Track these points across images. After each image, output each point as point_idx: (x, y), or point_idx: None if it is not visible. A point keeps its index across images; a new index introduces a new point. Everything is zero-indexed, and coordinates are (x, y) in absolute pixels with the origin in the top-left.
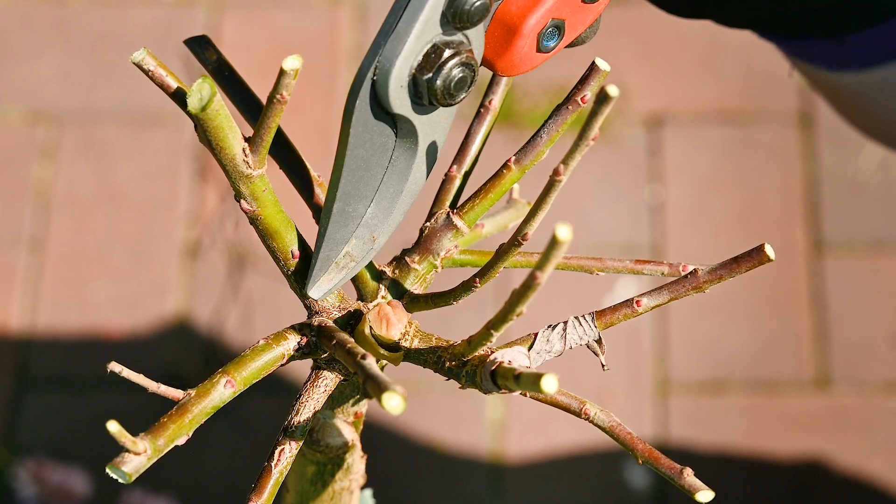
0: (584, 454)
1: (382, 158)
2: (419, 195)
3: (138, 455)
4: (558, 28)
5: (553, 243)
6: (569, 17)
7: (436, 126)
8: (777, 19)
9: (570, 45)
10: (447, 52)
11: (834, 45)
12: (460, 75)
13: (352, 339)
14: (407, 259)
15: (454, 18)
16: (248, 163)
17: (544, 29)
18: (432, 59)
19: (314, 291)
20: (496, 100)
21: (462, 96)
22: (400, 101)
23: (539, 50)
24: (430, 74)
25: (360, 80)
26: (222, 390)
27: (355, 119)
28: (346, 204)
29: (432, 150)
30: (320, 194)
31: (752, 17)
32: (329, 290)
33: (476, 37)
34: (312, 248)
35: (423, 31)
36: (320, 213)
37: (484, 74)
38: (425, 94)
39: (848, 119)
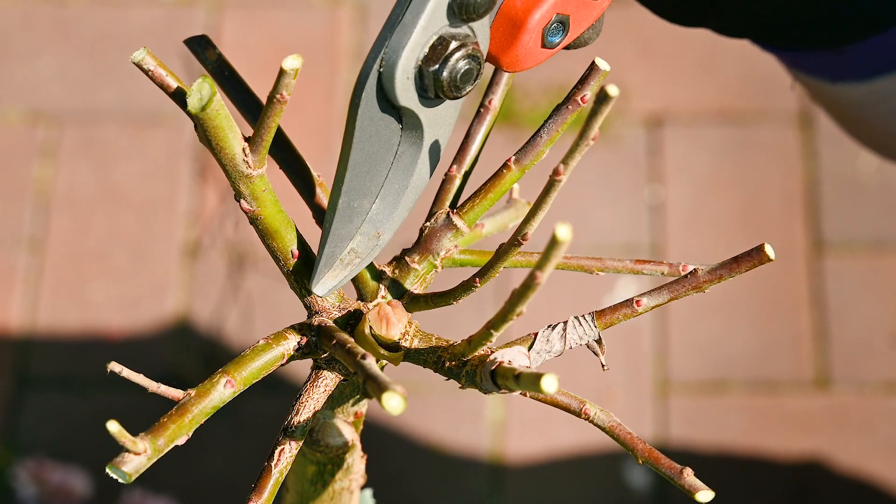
0: (584, 454)
1: (387, 154)
2: (422, 192)
3: (138, 455)
4: (563, 23)
5: (553, 243)
6: (573, 12)
7: (441, 120)
8: (776, 30)
9: (573, 47)
10: (453, 44)
11: (834, 56)
12: (466, 67)
13: (352, 339)
14: (407, 259)
15: (460, 10)
16: (248, 163)
17: (549, 24)
18: (438, 51)
19: (319, 288)
20: (496, 100)
21: (468, 89)
22: (406, 93)
23: (544, 45)
24: (437, 66)
25: (367, 72)
26: (222, 390)
27: (361, 112)
28: (351, 199)
29: (437, 146)
30: (321, 194)
31: (751, 27)
32: (334, 286)
33: (482, 30)
34: (314, 247)
35: (430, 22)
36: (321, 213)
37: (484, 74)
38: (431, 87)
39: (846, 130)
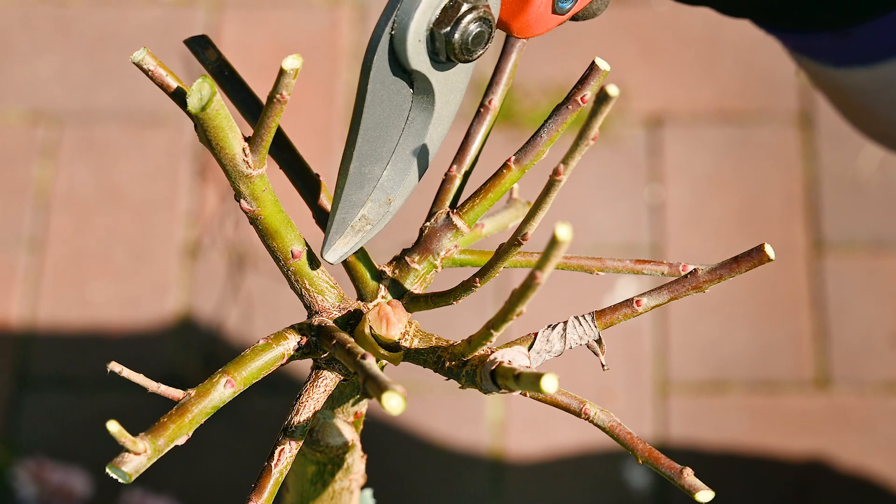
0: (584, 454)
1: (399, 119)
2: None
3: (138, 455)
4: None
5: (553, 243)
6: None
7: (453, 85)
8: (780, 10)
9: (582, 17)
10: (465, 7)
11: (838, 39)
12: (478, 30)
13: (352, 339)
14: (407, 259)
15: None
16: (248, 163)
17: None
18: (450, 14)
19: (330, 255)
20: (496, 100)
21: (479, 52)
22: (418, 56)
23: (554, 11)
24: (448, 28)
25: (378, 35)
26: (222, 390)
27: (373, 76)
28: (362, 165)
29: (449, 111)
30: (320, 194)
31: (753, 7)
32: (345, 253)
33: None
34: (315, 248)
35: None
36: (321, 213)
37: (484, 74)
38: (443, 50)
39: (849, 119)
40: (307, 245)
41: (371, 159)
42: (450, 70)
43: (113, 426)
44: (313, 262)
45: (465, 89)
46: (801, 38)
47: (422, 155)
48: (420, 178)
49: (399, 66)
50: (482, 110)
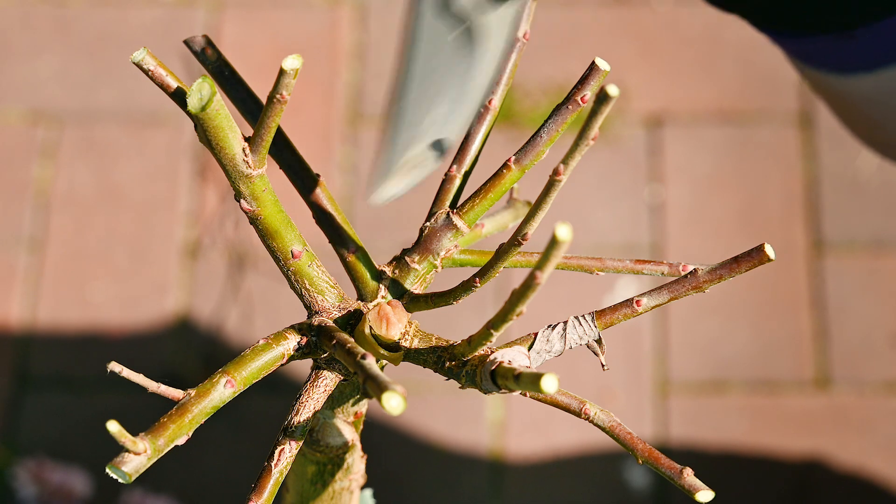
0: (584, 454)
1: (446, 59)
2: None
3: (138, 455)
4: None
5: (553, 243)
6: None
7: (501, 24)
8: (780, 10)
9: None
10: None
11: (842, 42)
12: None
13: (352, 339)
14: (407, 259)
15: None
16: (248, 163)
17: None
18: None
19: (378, 196)
20: (496, 100)
21: None
22: None
23: None
24: None
25: None
26: (222, 390)
27: (420, 16)
28: (410, 107)
29: (497, 51)
30: (321, 194)
31: (749, 7)
32: (394, 195)
33: None
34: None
35: None
36: (321, 213)
37: None
38: None
39: (853, 129)
40: (307, 245)
41: (418, 101)
42: (497, 9)
43: (113, 426)
44: (313, 262)
45: (513, 28)
46: (801, 42)
47: (471, 95)
48: (470, 119)
49: (446, 6)
50: (482, 110)
